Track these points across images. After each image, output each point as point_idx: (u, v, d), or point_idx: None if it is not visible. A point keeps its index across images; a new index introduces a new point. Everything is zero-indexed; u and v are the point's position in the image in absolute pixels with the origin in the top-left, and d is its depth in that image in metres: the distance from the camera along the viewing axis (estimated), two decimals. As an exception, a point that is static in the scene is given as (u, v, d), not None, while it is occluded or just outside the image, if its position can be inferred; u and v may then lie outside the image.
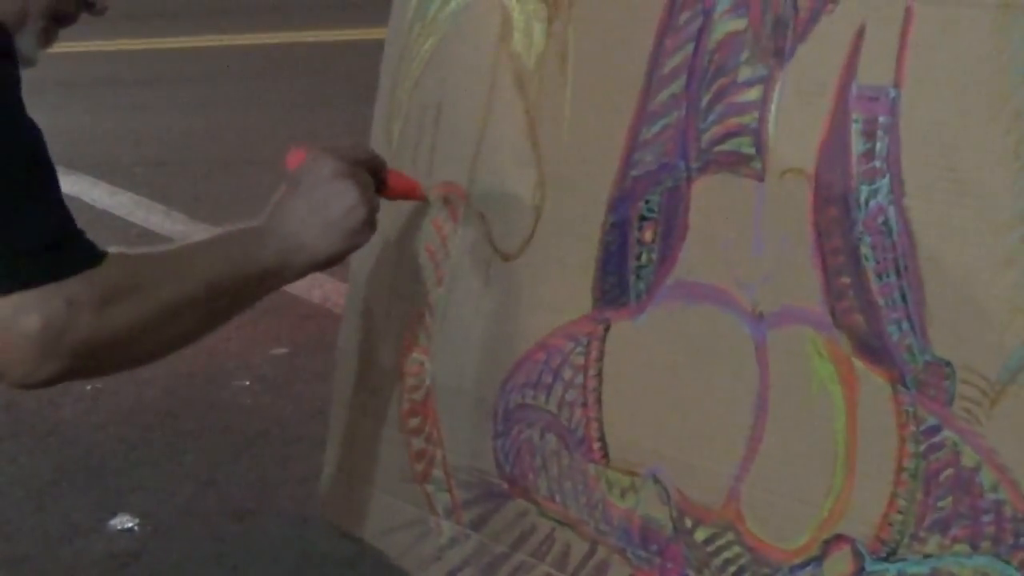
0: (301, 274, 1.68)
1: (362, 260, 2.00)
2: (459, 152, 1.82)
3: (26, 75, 1.52)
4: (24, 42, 1.55)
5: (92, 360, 1.50)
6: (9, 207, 1.44)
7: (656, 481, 1.55)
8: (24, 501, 2.90)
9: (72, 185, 5.26)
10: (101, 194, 5.40)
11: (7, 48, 1.48)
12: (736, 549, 1.47)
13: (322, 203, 1.66)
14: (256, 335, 3.85)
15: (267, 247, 1.64)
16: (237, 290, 1.63)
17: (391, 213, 1.93)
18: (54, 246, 1.47)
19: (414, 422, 1.88)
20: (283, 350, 3.77)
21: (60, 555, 2.67)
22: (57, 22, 1.59)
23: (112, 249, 1.54)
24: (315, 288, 4.15)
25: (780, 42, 1.42)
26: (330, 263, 1.70)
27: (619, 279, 1.59)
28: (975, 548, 1.28)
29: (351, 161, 1.70)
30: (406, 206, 1.89)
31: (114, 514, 2.82)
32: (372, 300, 1.95)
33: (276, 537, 2.69)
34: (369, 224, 1.69)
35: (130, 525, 2.77)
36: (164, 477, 2.99)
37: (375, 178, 1.74)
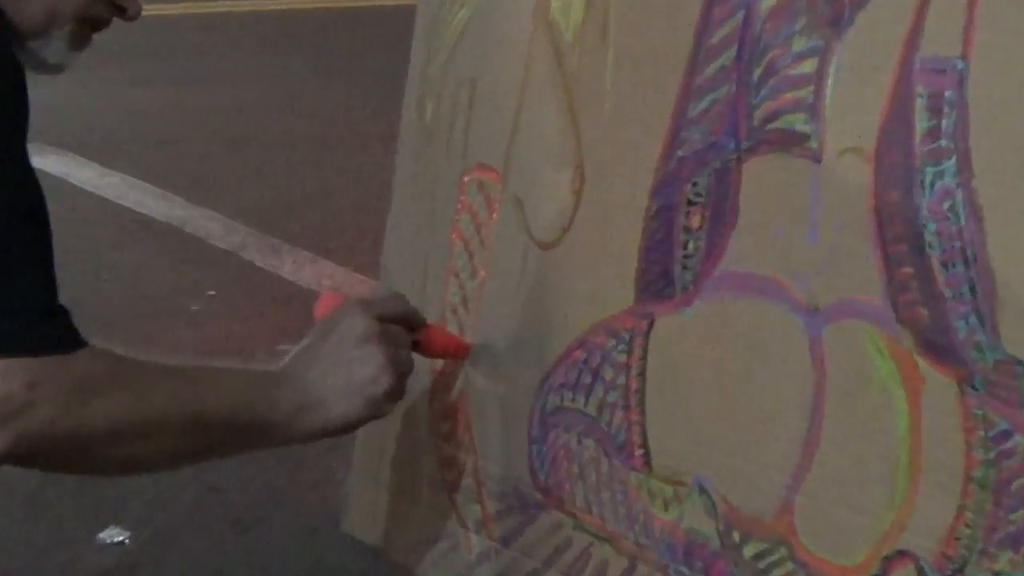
0: (309, 437, 1.68)
1: (393, 251, 2.02)
2: (494, 133, 1.84)
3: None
4: (53, 47, 1.57)
5: (41, 454, 1.46)
6: None
7: (702, 491, 1.57)
8: (11, 509, 2.92)
9: (60, 165, 5.29)
10: (91, 175, 5.43)
11: (20, 81, 1.47)
12: (789, 566, 1.48)
13: (346, 364, 1.67)
14: (261, 328, 3.87)
15: (280, 396, 1.64)
16: (232, 431, 1.61)
17: (424, 200, 1.94)
18: (31, 318, 1.44)
19: (445, 426, 1.91)
20: (290, 345, 3.79)
21: (48, 568, 2.69)
22: (90, 26, 1.61)
23: (97, 342, 1.51)
24: (325, 278, 4.17)
25: (837, 10, 1.42)
26: (343, 430, 1.70)
27: (664, 269, 1.60)
28: (1050, 565, 1.28)
29: (385, 319, 1.71)
30: (438, 190, 1.91)
31: (107, 524, 2.83)
32: (404, 293, 1.95)
33: (284, 549, 2.70)
34: (393, 395, 1.70)
35: (120, 539, 2.79)
36: (161, 483, 3.00)
37: (412, 334, 1.76)
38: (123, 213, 4.92)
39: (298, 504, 2.84)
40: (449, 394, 1.90)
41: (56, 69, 1.58)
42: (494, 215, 1.84)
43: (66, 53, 1.59)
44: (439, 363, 1.90)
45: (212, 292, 4.26)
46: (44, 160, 5.22)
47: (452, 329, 1.88)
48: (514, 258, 1.81)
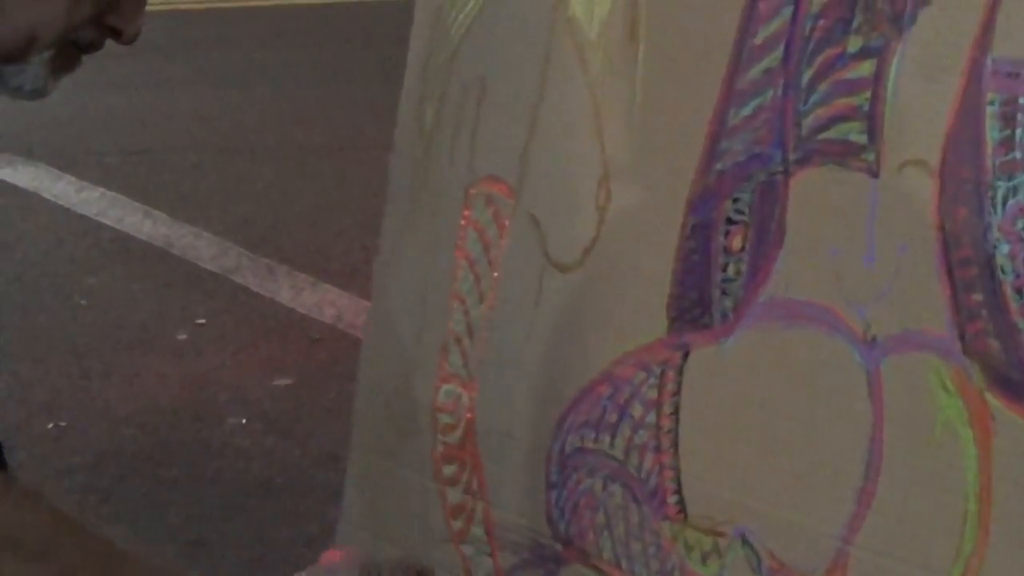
0: None
1: (387, 272, 2.01)
2: (506, 141, 1.84)
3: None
4: (30, 73, 1.55)
5: None
6: None
7: (745, 543, 1.56)
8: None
9: (30, 179, 5.30)
10: (66, 189, 5.44)
11: None
12: (843, 627, 1.47)
13: None
14: (255, 362, 3.87)
15: None
16: None
17: (423, 215, 1.94)
18: None
19: (450, 469, 1.90)
20: (288, 380, 3.80)
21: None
22: (78, 49, 1.60)
23: (24, 482, 1.49)
24: (327, 305, 4.17)
25: (898, 6, 1.42)
26: None
27: (700, 295, 1.60)
28: None
29: None
30: (440, 204, 1.90)
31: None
32: (399, 320, 1.96)
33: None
34: None
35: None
36: (141, 536, 3.00)
37: None
38: (101, 231, 4.93)
39: (295, 560, 2.83)
40: (455, 433, 1.89)
41: (35, 95, 1.56)
42: (504, 233, 1.84)
43: (46, 79, 1.57)
44: (440, 398, 1.90)
45: (201, 320, 4.27)
46: (13, 173, 5.23)
47: (457, 363, 1.88)
48: (528, 282, 1.80)
